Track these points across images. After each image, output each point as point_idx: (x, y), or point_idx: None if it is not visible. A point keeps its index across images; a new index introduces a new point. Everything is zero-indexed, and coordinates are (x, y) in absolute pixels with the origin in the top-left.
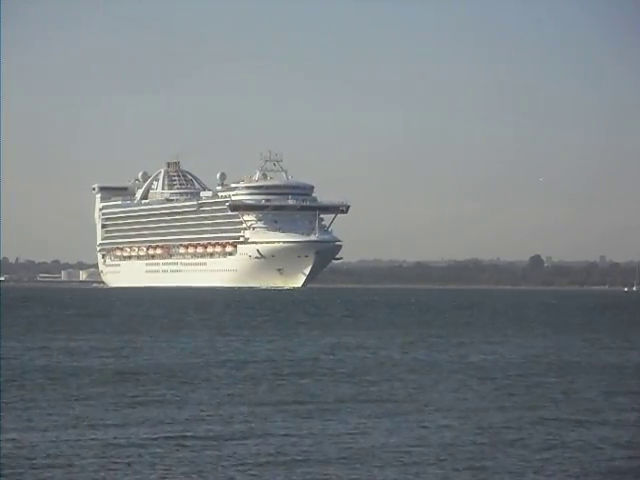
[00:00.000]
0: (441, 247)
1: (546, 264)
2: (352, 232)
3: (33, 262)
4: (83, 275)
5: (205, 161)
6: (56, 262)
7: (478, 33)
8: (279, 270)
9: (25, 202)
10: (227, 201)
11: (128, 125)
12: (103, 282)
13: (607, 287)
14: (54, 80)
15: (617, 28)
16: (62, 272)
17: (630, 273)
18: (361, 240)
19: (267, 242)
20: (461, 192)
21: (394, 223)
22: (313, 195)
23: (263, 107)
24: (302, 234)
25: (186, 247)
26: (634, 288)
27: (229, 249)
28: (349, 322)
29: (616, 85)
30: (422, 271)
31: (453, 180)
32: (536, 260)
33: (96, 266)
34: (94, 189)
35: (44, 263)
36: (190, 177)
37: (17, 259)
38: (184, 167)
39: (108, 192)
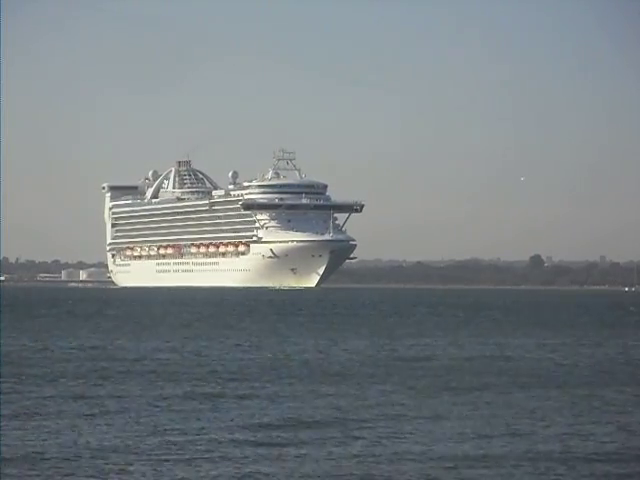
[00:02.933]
0: (441, 247)
1: (546, 264)
2: (354, 232)
3: (33, 262)
4: (83, 275)
5: (216, 160)
6: (56, 262)
7: (478, 33)
8: (292, 270)
9: (25, 202)
10: (240, 200)
11: (138, 124)
12: (109, 282)
13: (607, 287)
14: (62, 79)
15: (617, 27)
16: (62, 272)
17: (630, 273)
18: (361, 240)
19: (280, 241)
20: (461, 192)
21: (394, 223)
22: (327, 194)
23: (275, 106)
24: (316, 233)
25: (198, 247)
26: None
27: (242, 248)
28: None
29: (616, 85)
30: (422, 271)
31: (453, 180)
32: (536, 260)
33: (97, 265)
34: (104, 188)
35: (44, 263)
36: (201, 176)
37: (17, 259)
38: (195, 166)
39: (118, 191)
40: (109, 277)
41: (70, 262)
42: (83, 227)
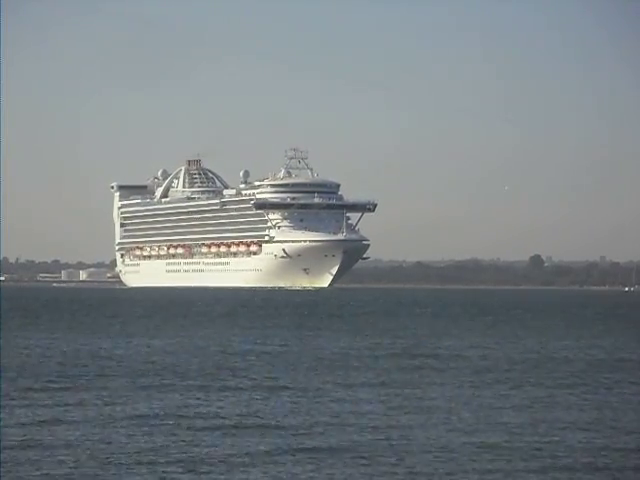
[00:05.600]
0: (441, 247)
1: (546, 264)
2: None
3: (33, 262)
4: (83, 275)
5: (226, 159)
6: (56, 262)
7: (478, 33)
8: (305, 270)
9: (25, 202)
10: (251, 199)
11: (147, 123)
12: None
13: (607, 287)
14: (68, 78)
15: (617, 27)
16: (62, 272)
17: (630, 273)
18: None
19: (293, 241)
20: (461, 192)
21: (394, 223)
22: (339, 193)
23: (287, 104)
24: (329, 233)
25: (208, 246)
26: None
27: (254, 248)
28: None
29: (616, 85)
30: (422, 271)
31: (453, 180)
32: (536, 260)
33: (96, 265)
34: (112, 187)
35: (44, 263)
36: (211, 175)
37: (17, 259)
38: (205, 165)
39: (127, 191)
40: (109, 277)
41: (70, 262)
42: (83, 227)
